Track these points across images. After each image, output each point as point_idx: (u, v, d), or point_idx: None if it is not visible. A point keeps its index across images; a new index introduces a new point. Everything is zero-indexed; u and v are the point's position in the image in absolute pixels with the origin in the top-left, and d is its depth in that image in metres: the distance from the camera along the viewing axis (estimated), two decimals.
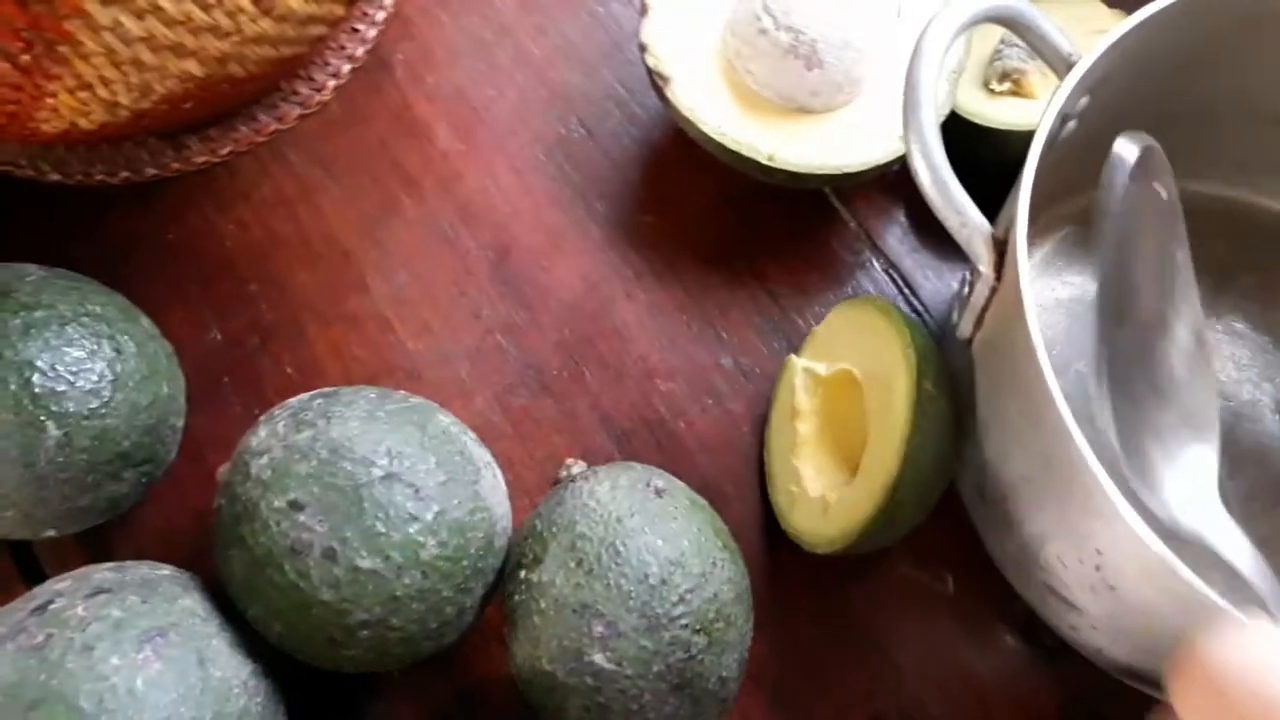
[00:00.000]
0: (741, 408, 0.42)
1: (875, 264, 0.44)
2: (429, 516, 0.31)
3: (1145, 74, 0.35)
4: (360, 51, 0.45)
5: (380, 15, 0.45)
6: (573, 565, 0.31)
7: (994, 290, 0.32)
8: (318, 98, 0.44)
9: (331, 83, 0.44)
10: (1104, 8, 0.44)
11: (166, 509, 0.39)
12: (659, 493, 0.33)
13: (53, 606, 0.29)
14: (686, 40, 0.42)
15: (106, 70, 0.32)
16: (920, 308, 0.44)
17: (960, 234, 0.32)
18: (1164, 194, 0.33)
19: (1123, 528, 0.26)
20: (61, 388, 0.32)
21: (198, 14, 0.32)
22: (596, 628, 0.30)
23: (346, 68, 0.44)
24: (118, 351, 0.34)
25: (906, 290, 0.44)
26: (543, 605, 0.31)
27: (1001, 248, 0.31)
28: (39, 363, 0.32)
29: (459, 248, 0.44)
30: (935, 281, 0.44)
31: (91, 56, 0.31)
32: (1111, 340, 0.31)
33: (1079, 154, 0.34)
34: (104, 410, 0.33)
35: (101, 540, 0.38)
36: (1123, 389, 0.31)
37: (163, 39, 0.32)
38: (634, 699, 0.30)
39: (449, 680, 0.37)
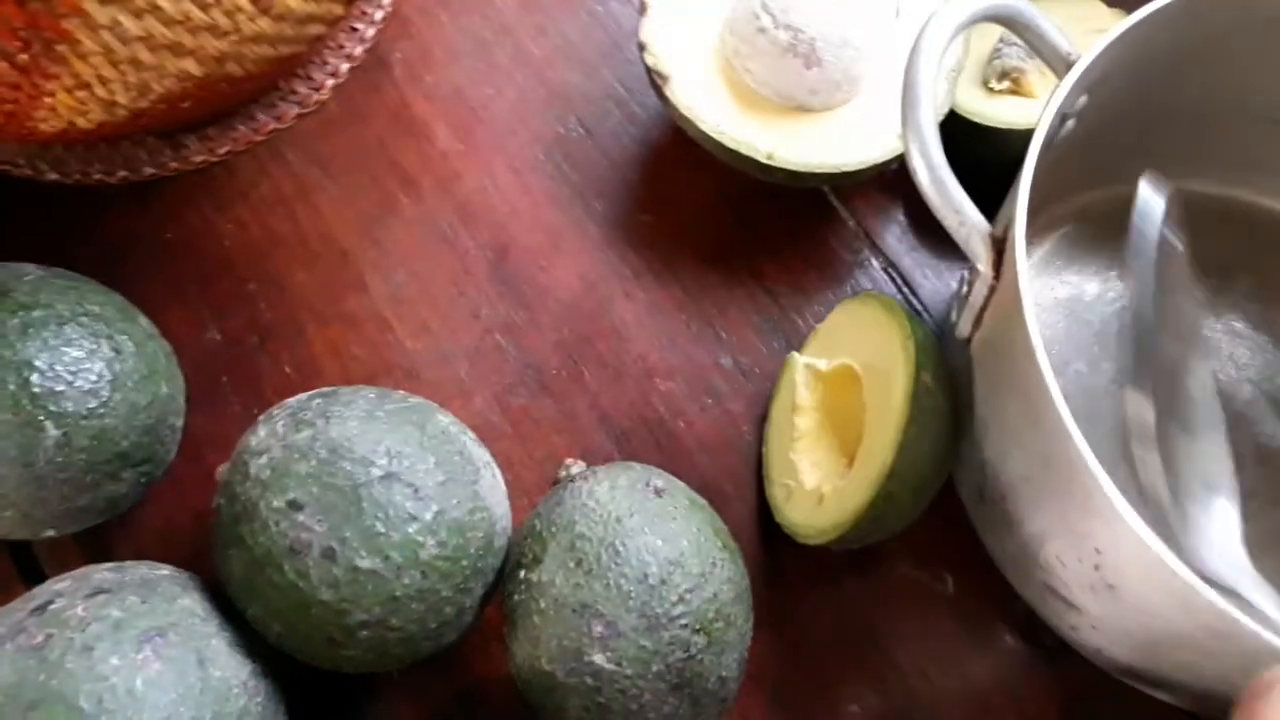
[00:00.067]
0: (741, 407, 0.42)
1: (874, 263, 0.44)
2: (428, 516, 0.31)
3: (1144, 73, 0.35)
4: (359, 51, 0.44)
5: (379, 14, 0.45)
6: (572, 565, 0.31)
7: (992, 289, 0.32)
8: (316, 97, 0.44)
9: (330, 82, 0.44)
10: (1103, 7, 0.44)
11: (166, 509, 0.39)
12: (658, 492, 0.33)
13: (52, 607, 0.29)
14: (685, 39, 0.42)
15: (104, 69, 0.32)
16: (919, 307, 0.44)
17: (959, 233, 0.32)
18: (1179, 246, 0.33)
19: (1122, 528, 0.26)
20: (60, 387, 0.32)
21: (196, 13, 0.32)
22: (596, 628, 0.30)
23: (345, 67, 0.44)
24: (116, 351, 0.34)
25: (905, 289, 0.44)
26: (542, 605, 0.31)
27: (1000, 247, 0.31)
28: (37, 362, 0.32)
29: (458, 247, 0.44)
30: (934, 280, 0.44)
31: (89, 56, 0.31)
32: (1150, 388, 0.32)
33: (1078, 153, 0.34)
34: (103, 410, 0.33)
35: (101, 540, 0.38)
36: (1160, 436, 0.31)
37: (161, 38, 0.32)
38: (634, 699, 0.30)
39: (449, 680, 0.37)
